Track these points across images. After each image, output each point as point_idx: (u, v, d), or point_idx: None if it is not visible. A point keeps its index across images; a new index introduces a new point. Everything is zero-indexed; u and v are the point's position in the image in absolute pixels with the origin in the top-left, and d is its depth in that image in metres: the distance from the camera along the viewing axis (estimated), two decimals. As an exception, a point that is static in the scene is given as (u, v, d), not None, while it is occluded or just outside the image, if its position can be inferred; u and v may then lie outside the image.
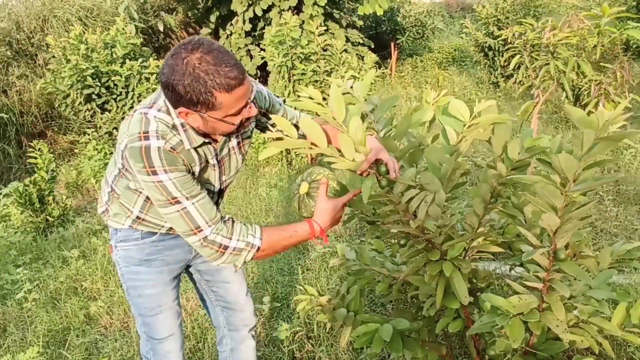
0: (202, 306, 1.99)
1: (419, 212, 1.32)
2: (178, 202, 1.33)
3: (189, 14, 8.84)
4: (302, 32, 5.59)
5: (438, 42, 11.67)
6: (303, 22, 6.70)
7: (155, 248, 1.61)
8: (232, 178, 1.63)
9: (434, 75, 9.09)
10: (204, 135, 1.42)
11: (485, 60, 8.26)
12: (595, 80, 4.16)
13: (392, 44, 9.79)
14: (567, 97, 4.43)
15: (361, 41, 8.28)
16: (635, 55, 8.13)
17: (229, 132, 1.38)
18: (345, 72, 5.27)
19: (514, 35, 4.33)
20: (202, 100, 1.25)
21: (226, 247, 1.38)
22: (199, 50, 1.23)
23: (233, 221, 1.42)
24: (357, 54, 7.50)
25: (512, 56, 4.17)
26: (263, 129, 1.68)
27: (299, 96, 1.40)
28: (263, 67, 7.43)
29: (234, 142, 1.56)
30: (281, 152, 5.24)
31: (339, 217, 1.48)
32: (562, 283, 1.24)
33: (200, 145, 1.42)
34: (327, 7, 7.48)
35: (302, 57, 5.43)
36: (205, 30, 8.36)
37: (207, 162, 1.48)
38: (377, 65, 7.06)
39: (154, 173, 1.30)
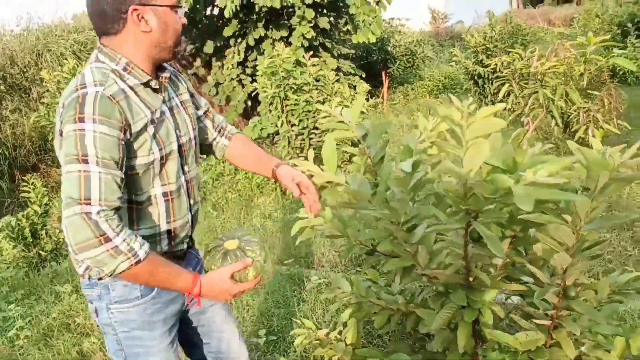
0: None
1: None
2: (86, 161, 1.20)
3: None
4: (294, 64, 5.66)
5: (428, 70, 11.83)
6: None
7: (157, 306, 1.47)
8: (188, 136, 1.52)
9: (425, 102, 9.20)
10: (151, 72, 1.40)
11: (475, 88, 8.38)
12: (584, 108, 4.24)
13: (384, 73, 9.93)
14: (556, 124, 4.49)
15: (353, 71, 8.40)
16: (622, 82, 8.30)
17: (179, 32, 1.38)
18: (339, 103, 5.32)
19: (502, 64, 4.42)
20: None
21: (108, 240, 1.19)
22: None
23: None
24: (349, 84, 7.59)
25: (502, 85, 4.24)
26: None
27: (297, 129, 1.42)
28: (255, 97, 7.50)
29: (176, 100, 1.51)
30: (275, 182, 5.26)
31: (224, 290, 1.37)
32: (572, 321, 1.24)
33: (145, 84, 1.37)
34: (319, 38, 7.60)
35: (295, 88, 5.49)
36: (198, 63, 8.45)
37: (158, 115, 1.40)
38: (369, 95, 7.14)
39: (81, 120, 1.21)
